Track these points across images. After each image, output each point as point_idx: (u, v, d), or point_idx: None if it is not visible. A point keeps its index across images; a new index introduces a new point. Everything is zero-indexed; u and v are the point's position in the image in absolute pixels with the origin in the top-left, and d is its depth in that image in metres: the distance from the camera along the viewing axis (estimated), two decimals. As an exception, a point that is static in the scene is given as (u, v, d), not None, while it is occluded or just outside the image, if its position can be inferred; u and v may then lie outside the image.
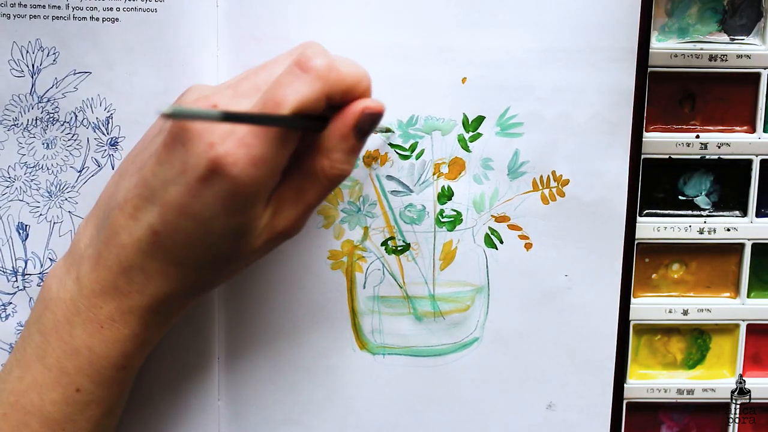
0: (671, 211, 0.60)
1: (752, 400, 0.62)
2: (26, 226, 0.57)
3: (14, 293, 0.58)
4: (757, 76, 0.58)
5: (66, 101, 0.56)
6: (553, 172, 0.57)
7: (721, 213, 0.60)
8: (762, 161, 0.59)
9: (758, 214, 0.60)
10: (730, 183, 0.60)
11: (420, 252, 0.58)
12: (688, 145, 0.59)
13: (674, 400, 0.62)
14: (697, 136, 0.59)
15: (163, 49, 0.55)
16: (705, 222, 0.60)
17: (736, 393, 0.62)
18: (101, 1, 0.54)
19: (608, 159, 0.57)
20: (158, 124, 0.49)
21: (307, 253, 0.57)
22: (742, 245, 0.60)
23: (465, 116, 0.56)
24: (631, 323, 0.61)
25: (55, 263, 0.51)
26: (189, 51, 0.55)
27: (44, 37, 0.55)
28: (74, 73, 0.55)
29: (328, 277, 0.58)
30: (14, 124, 0.56)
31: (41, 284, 0.56)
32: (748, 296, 0.61)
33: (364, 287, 0.58)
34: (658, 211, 0.60)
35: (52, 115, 0.56)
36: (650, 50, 0.56)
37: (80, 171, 0.56)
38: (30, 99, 0.56)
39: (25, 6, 0.55)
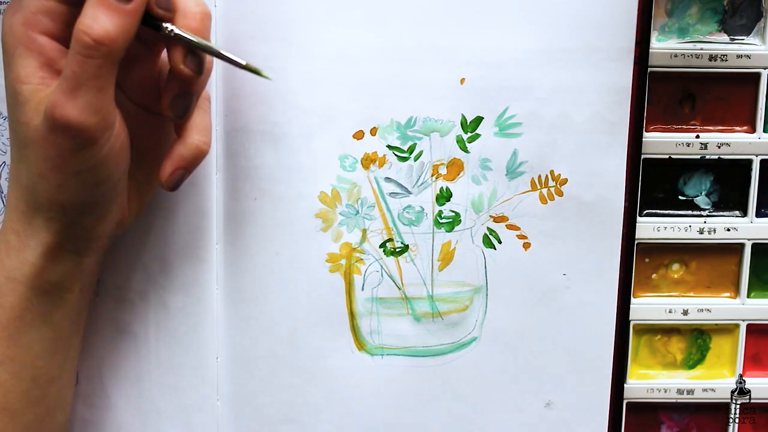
0: (671, 211, 0.60)
1: (752, 400, 0.62)
2: None
3: None
4: (757, 76, 0.58)
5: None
6: (552, 172, 0.57)
7: (721, 213, 0.60)
8: (762, 161, 0.59)
9: (758, 214, 0.60)
10: (730, 183, 0.60)
11: (418, 253, 0.58)
12: (688, 145, 0.58)
13: (674, 400, 0.62)
14: (697, 136, 0.58)
15: (160, 51, 0.55)
16: (705, 222, 0.60)
17: (736, 393, 0.62)
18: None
19: (607, 158, 0.57)
20: None
21: (305, 256, 0.57)
22: (742, 245, 0.60)
23: (463, 117, 0.56)
24: (631, 323, 0.61)
25: None
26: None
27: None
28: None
29: (327, 279, 0.58)
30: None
31: None
32: (748, 296, 0.61)
33: (363, 289, 0.58)
34: (658, 211, 0.60)
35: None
36: (650, 50, 0.56)
37: None
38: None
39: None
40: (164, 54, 0.50)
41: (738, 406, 0.62)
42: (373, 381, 0.59)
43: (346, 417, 0.60)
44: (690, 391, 0.62)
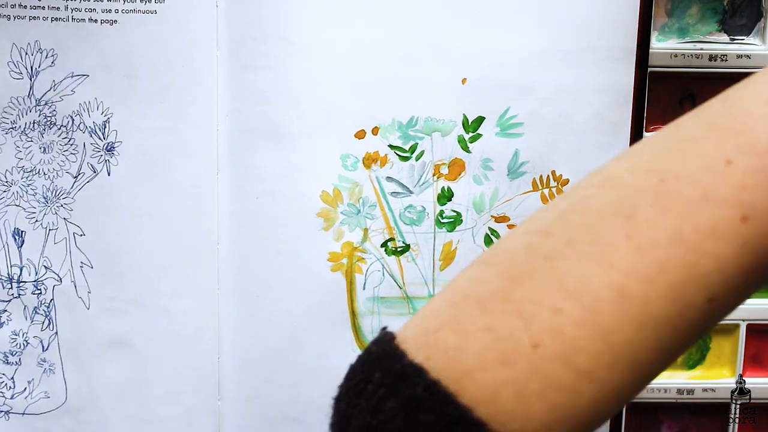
0: (671, 211, 0.60)
1: (752, 400, 0.62)
2: (22, 232, 0.57)
3: (9, 301, 0.58)
4: (758, 76, 0.58)
5: (63, 104, 0.56)
6: (553, 172, 0.57)
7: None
8: (762, 161, 0.59)
9: (758, 215, 0.60)
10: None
11: (420, 253, 0.58)
12: (689, 145, 0.58)
13: (674, 400, 0.62)
14: (698, 137, 0.58)
15: (163, 51, 0.55)
16: (705, 222, 0.60)
17: (736, 393, 0.62)
18: (100, 3, 0.54)
19: (607, 158, 0.57)
20: None
21: (306, 255, 0.57)
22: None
23: (465, 117, 0.56)
24: (631, 323, 0.61)
25: None
26: (188, 52, 0.55)
27: (43, 39, 0.55)
28: (72, 76, 0.55)
29: (328, 278, 0.58)
30: (12, 127, 0.56)
31: (35, 292, 0.57)
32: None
33: (364, 288, 0.58)
34: (658, 211, 0.60)
35: (49, 118, 0.56)
36: (650, 50, 0.56)
37: (76, 177, 0.56)
38: (28, 102, 0.56)
39: (25, 7, 0.55)
40: None
41: (738, 406, 0.62)
42: (374, 380, 0.59)
43: (347, 416, 0.60)
44: (690, 391, 0.62)
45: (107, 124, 0.56)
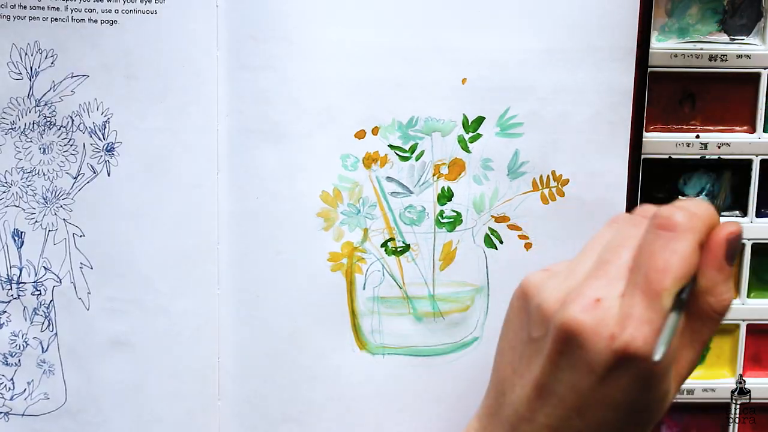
0: (671, 211, 0.60)
1: (752, 400, 0.62)
2: (21, 232, 0.57)
3: (8, 302, 0.58)
4: (757, 76, 0.58)
5: (63, 105, 0.56)
6: (553, 172, 0.57)
7: (721, 213, 0.60)
8: (762, 161, 0.59)
9: (758, 214, 0.60)
10: (730, 183, 0.60)
11: (420, 253, 0.58)
12: (688, 145, 0.59)
13: (674, 400, 0.62)
14: (697, 136, 0.59)
15: (163, 51, 0.55)
16: (705, 222, 0.60)
17: (736, 393, 0.62)
18: (100, 3, 0.54)
19: (608, 159, 0.57)
20: (516, 306, 0.47)
21: (306, 255, 0.57)
22: (742, 245, 0.60)
23: (465, 117, 0.56)
24: (631, 323, 0.61)
25: None
26: (188, 52, 0.55)
27: (43, 39, 0.55)
28: (72, 76, 0.55)
29: (328, 278, 0.58)
30: (12, 128, 0.56)
31: (35, 293, 0.57)
32: (748, 296, 0.61)
33: (364, 288, 0.58)
34: (658, 211, 0.60)
35: (49, 119, 0.56)
36: (650, 50, 0.56)
37: (75, 177, 0.56)
38: (27, 102, 0.56)
39: (25, 7, 0.55)
40: None
41: (738, 406, 0.62)
42: (374, 380, 0.59)
43: (347, 416, 0.60)
44: (690, 391, 0.62)
45: (107, 125, 0.56)
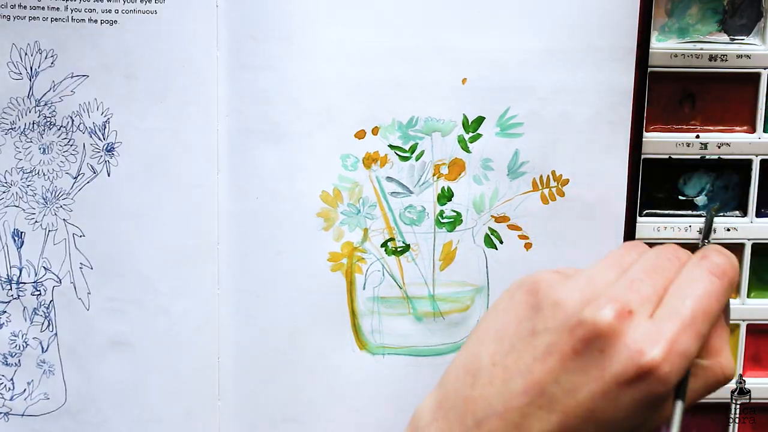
0: (671, 211, 0.60)
1: (752, 400, 0.62)
2: (21, 233, 0.57)
3: (8, 302, 0.58)
4: (757, 76, 0.58)
5: (63, 105, 0.56)
6: (553, 172, 0.57)
7: (721, 213, 0.60)
8: (762, 161, 0.59)
9: (758, 214, 0.60)
10: (730, 183, 0.60)
11: (420, 253, 0.58)
12: (688, 145, 0.59)
13: (674, 400, 0.62)
14: (697, 136, 0.59)
15: (163, 51, 0.55)
16: (705, 222, 0.60)
17: (736, 393, 0.62)
18: (100, 3, 0.54)
19: (608, 159, 0.57)
20: (518, 299, 0.45)
21: (306, 255, 0.57)
22: (742, 245, 0.60)
23: (465, 117, 0.56)
24: (631, 323, 0.61)
25: None
26: (189, 52, 0.55)
27: (43, 39, 0.55)
28: (72, 77, 0.55)
29: (328, 278, 0.58)
30: (12, 128, 0.56)
31: (35, 293, 0.57)
32: (748, 296, 0.61)
33: (364, 288, 0.58)
34: (658, 211, 0.60)
35: (49, 119, 0.56)
36: (650, 50, 0.56)
37: (75, 177, 0.56)
38: (27, 102, 0.56)
39: (25, 7, 0.55)
40: None
41: (738, 406, 0.62)
42: (374, 380, 0.59)
43: (347, 416, 0.60)
44: (690, 391, 0.62)
45: (107, 125, 0.56)
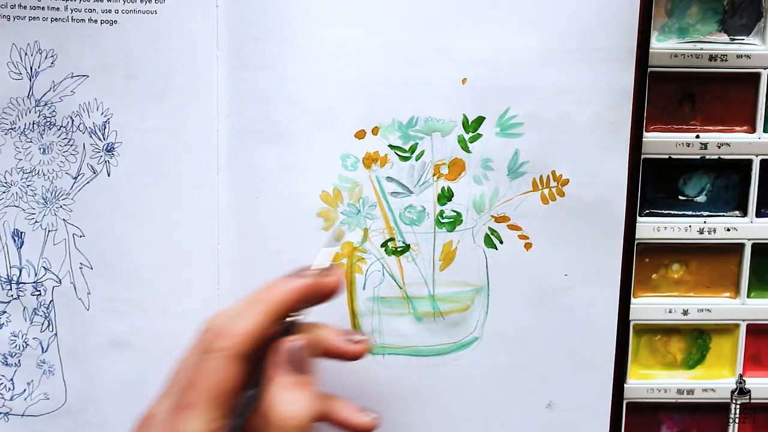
0: (671, 211, 0.60)
1: (752, 400, 0.62)
2: (21, 233, 0.57)
3: (8, 302, 0.58)
4: (757, 76, 0.58)
5: (63, 105, 0.56)
6: (553, 172, 0.57)
7: (721, 213, 0.60)
8: (762, 161, 0.59)
9: (758, 214, 0.60)
10: (730, 183, 0.60)
11: (420, 253, 0.58)
12: (688, 145, 0.59)
13: (674, 400, 0.62)
14: (697, 136, 0.59)
15: (163, 51, 0.55)
16: (705, 222, 0.60)
17: (736, 393, 0.62)
18: (100, 3, 0.54)
19: (608, 159, 0.57)
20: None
21: (307, 255, 0.57)
22: (742, 245, 0.60)
23: (465, 117, 0.56)
24: (631, 323, 0.61)
25: None
26: (188, 52, 0.55)
27: (43, 39, 0.55)
28: (71, 77, 0.55)
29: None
30: (12, 128, 0.56)
31: (35, 293, 0.57)
32: (748, 296, 0.61)
33: (364, 288, 0.58)
34: (658, 211, 0.60)
35: (49, 119, 0.56)
36: (650, 50, 0.56)
37: (75, 177, 0.56)
38: (27, 102, 0.56)
39: (25, 7, 0.55)
40: None
41: (738, 406, 0.62)
42: (374, 380, 0.59)
43: (348, 417, 0.60)
44: (690, 391, 0.62)
45: (107, 125, 0.56)
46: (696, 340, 0.62)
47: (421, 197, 0.57)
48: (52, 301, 0.58)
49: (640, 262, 0.61)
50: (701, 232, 0.60)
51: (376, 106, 0.56)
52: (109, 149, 0.56)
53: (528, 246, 0.58)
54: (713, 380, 0.62)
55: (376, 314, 0.59)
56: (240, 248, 0.57)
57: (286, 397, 0.47)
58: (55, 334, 0.59)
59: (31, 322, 0.59)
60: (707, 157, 0.59)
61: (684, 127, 0.59)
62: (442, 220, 0.58)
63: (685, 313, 0.61)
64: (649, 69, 0.57)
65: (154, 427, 0.48)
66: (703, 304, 0.61)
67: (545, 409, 0.60)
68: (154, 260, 0.57)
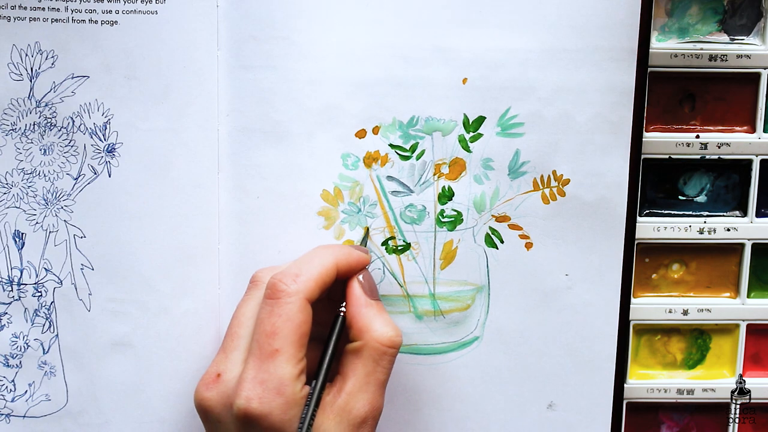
0: (671, 211, 0.60)
1: (752, 400, 0.62)
2: (22, 234, 0.57)
3: (9, 303, 0.58)
4: (757, 76, 0.58)
5: (64, 106, 0.56)
6: (554, 172, 0.57)
7: (721, 213, 0.60)
8: (762, 161, 0.59)
9: (758, 214, 0.60)
10: (730, 183, 0.60)
11: (420, 252, 0.58)
12: (688, 145, 0.59)
13: (674, 400, 0.62)
14: (697, 136, 0.59)
15: (163, 51, 0.55)
16: (705, 222, 0.60)
17: (736, 393, 0.62)
18: (100, 4, 0.54)
19: (608, 159, 0.57)
20: None
21: (307, 255, 0.57)
22: (742, 245, 0.60)
23: (466, 117, 0.56)
24: (631, 323, 0.61)
25: None
26: (189, 52, 0.55)
27: (43, 40, 0.55)
28: (72, 77, 0.55)
29: (329, 278, 0.58)
30: (12, 129, 0.56)
31: (36, 294, 0.57)
32: (748, 296, 0.61)
33: (365, 288, 0.58)
34: (658, 211, 0.60)
35: (49, 120, 0.56)
36: (650, 50, 0.56)
37: (76, 178, 0.56)
38: (28, 103, 0.56)
39: (25, 8, 0.55)
40: None
41: (738, 406, 0.62)
42: (375, 380, 0.59)
43: (349, 416, 0.60)
44: (690, 391, 0.62)
45: (108, 126, 0.56)
46: (696, 340, 0.62)
47: (421, 196, 0.57)
48: (53, 302, 0.58)
49: (640, 262, 0.61)
50: (701, 232, 0.60)
51: (376, 106, 0.56)
52: (110, 150, 0.56)
53: (529, 246, 0.58)
54: (713, 380, 0.62)
55: (376, 314, 0.59)
56: (241, 248, 0.57)
57: (380, 321, 0.50)
58: (57, 336, 0.59)
59: (33, 324, 0.59)
60: (707, 157, 0.59)
61: (684, 127, 0.59)
62: (443, 220, 0.58)
63: (685, 313, 0.61)
64: (649, 69, 0.57)
65: (228, 383, 0.48)
66: (703, 304, 0.61)
67: (546, 409, 0.60)
68: (155, 261, 0.57)
